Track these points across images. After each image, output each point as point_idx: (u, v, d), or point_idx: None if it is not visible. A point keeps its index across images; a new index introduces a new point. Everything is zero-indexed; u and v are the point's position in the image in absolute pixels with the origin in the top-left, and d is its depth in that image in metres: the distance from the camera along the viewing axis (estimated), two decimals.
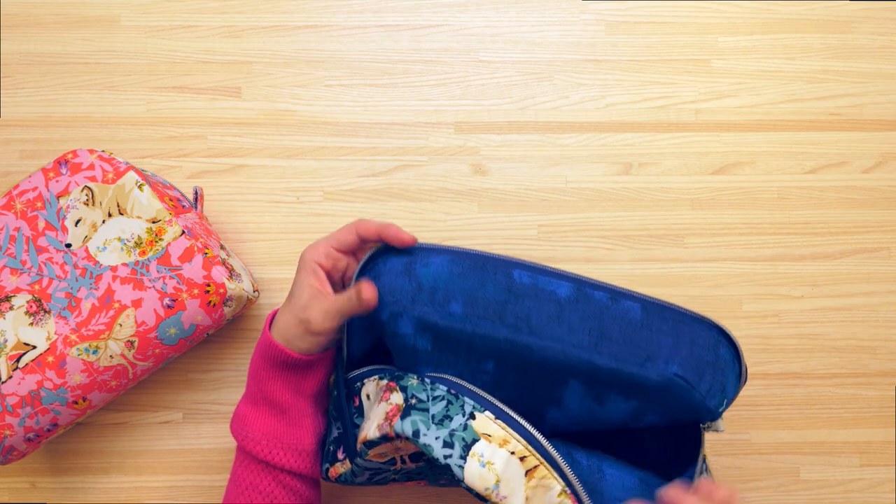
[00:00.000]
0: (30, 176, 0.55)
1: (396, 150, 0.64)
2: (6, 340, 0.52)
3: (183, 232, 0.53)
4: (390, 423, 0.45)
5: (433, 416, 0.44)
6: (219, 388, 0.62)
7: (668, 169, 0.64)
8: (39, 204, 0.54)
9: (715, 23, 0.65)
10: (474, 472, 0.42)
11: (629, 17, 0.65)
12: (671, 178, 0.64)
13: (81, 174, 0.54)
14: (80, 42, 0.64)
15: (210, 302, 0.53)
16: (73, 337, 0.52)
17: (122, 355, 0.53)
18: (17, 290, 0.53)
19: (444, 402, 0.45)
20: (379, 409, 0.47)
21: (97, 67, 0.64)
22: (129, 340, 0.53)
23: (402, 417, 0.44)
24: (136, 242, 0.53)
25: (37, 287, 0.53)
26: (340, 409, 0.51)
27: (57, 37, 0.64)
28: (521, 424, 0.45)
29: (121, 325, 0.52)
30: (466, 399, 0.45)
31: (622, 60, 0.65)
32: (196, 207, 0.59)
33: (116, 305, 0.52)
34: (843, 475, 0.63)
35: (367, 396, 0.50)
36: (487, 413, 0.45)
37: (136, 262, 0.53)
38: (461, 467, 0.42)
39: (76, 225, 0.54)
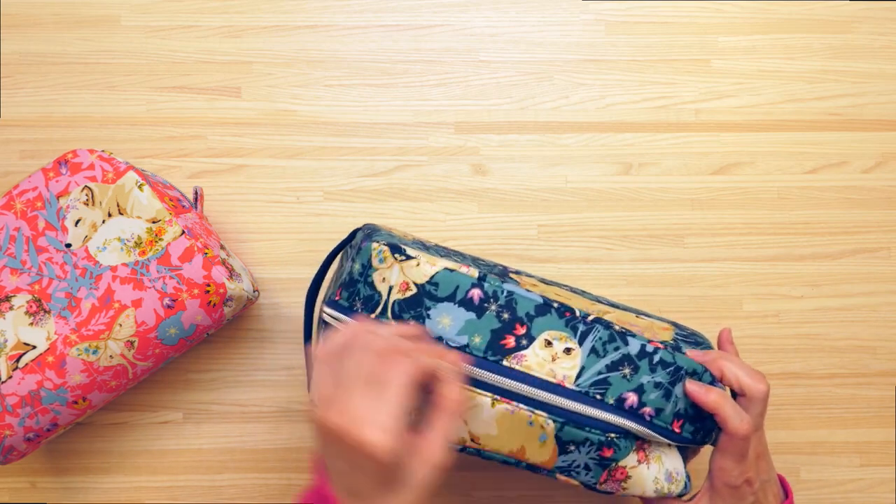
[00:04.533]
0: (30, 176, 0.55)
1: (396, 150, 0.64)
2: (6, 340, 0.52)
3: (183, 232, 0.53)
4: None
5: None
6: (219, 388, 0.62)
7: (668, 169, 0.64)
8: (39, 204, 0.54)
9: (715, 23, 0.65)
10: None
11: (629, 17, 0.65)
12: (671, 178, 0.64)
13: (81, 174, 0.54)
14: (80, 42, 0.64)
15: (210, 302, 0.54)
16: (73, 337, 0.52)
17: (122, 355, 0.53)
18: (17, 290, 0.53)
19: None
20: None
21: (97, 67, 0.64)
22: (129, 340, 0.53)
23: None
24: (136, 242, 0.53)
25: (37, 287, 0.53)
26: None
27: (57, 37, 0.64)
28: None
29: (121, 325, 0.52)
30: None
31: (622, 60, 0.65)
32: (196, 207, 0.60)
33: (116, 305, 0.52)
34: (843, 475, 0.63)
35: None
36: None
37: (136, 262, 0.53)
38: None
39: (76, 225, 0.54)
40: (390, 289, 0.45)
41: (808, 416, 0.63)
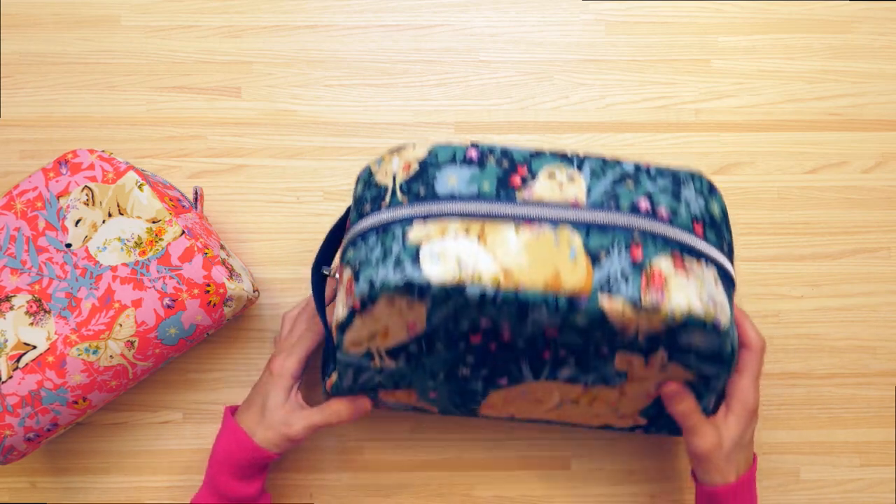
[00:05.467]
0: (30, 176, 0.55)
1: None
2: (6, 340, 0.52)
3: (183, 232, 0.53)
4: (351, 295, 0.45)
5: (377, 261, 0.44)
6: (219, 388, 0.62)
7: None
8: (39, 204, 0.54)
9: (715, 23, 0.65)
10: (433, 271, 0.42)
11: (629, 17, 0.65)
12: None
13: (81, 174, 0.54)
14: (80, 42, 0.64)
15: (210, 302, 0.54)
16: (73, 337, 0.52)
17: (122, 355, 0.53)
18: (17, 290, 0.53)
19: (378, 243, 0.45)
20: (342, 292, 0.48)
21: (97, 67, 0.64)
22: (129, 340, 0.53)
23: (356, 281, 0.45)
24: (136, 242, 0.53)
25: (37, 287, 0.53)
26: (321, 311, 0.53)
27: (57, 37, 0.64)
28: (449, 206, 0.45)
29: (121, 325, 0.52)
30: (393, 226, 0.45)
31: (622, 60, 0.65)
32: (196, 207, 0.60)
33: (116, 305, 0.52)
34: (843, 475, 0.63)
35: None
36: (416, 220, 0.45)
37: (136, 262, 0.53)
38: (421, 276, 0.43)
39: (76, 225, 0.54)
40: (394, 176, 0.48)
41: (808, 416, 0.63)
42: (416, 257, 0.43)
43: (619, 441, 0.62)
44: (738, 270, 0.64)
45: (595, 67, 0.65)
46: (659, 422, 0.54)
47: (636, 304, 0.43)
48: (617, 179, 0.47)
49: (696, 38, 0.65)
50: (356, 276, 0.45)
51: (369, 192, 0.49)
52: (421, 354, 0.48)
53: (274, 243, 0.63)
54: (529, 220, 0.45)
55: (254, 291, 0.57)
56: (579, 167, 0.47)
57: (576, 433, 0.62)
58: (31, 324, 0.52)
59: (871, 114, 0.65)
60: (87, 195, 0.54)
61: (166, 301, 0.53)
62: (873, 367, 0.63)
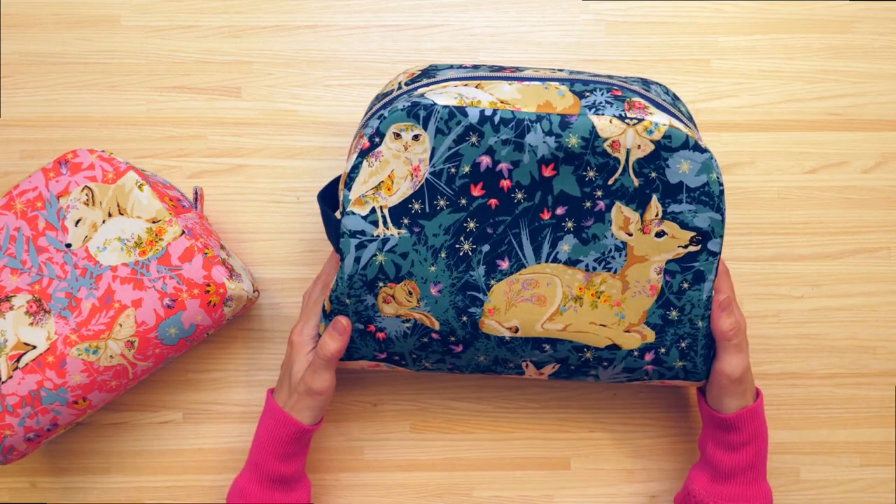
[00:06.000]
0: (30, 176, 0.55)
1: None
2: (6, 340, 0.52)
3: (183, 232, 0.53)
4: (361, 139, 0.50)
5: (384, 107, 0.51)
6: (219, 388, 0.62)
7: None
8: (39, 204, 0.54)
9: (715, 23, 0.65)
10: (437, 98, 0.48)
11: (629, 17, 0.65)
12: None
13: (81, 174, 0.54)
14: (80, 42, 0.64)
15: (210, 302, 0.54)
16: (73, 337, 0.52)
17: (122, 355, 0.53)
18: (18, 290, 0.53)
19: (386, 107, 0.51)
20: (352, 153, 0.51)
21: (97, 67, 0.64)
22: (129, 340, 0.53)
23: (365, 127, 0.50)
24: (136, 242, 0.53)
25: (37, 287, 0.53)
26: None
27: (57, 37, 0.64)
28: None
29: (121, 325, 0.52)
30: (401, 96, 0.51)
31: (622, 60, 0.65)
32: (196, 207, 0.60)
33: (116, 305, 0.52)
34: (843, 475, 0.63)
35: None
36: (420, 87, 0.51)
37: (136, 262, 0.53)
38: (426, 101, 0.48)
39: (76, 225, 0.54)
40: (400, 82, 0.53)
41: (808, 416, 0.63)
42: (421, 95, 0.49)
43: (619, 441, 0.62)
44: (738, 270, 0.64)
45: (595, 67, 0.65)
46: (665, 338, 0.53)
47: (622, 117, 0.48)
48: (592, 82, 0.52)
49: (696, 38, 0.65)
50: (366, 123, 0.51)
51: (377, 102, 0.53)
52: (424, 216, 0.49)
53: (274, 243, 0.63)
54: (521, 80, 0.50)
55: (254, 291, 0.57)
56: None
57: (575, 433, 0.63)
58: (31, 324, 0.52)
59: (871, 114, 0.65)
60: (87, 195, 0.54)
61: (166, 301, 0.53)
62: (873, 367, 0.63)
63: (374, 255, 0.50)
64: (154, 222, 0.53)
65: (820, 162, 0.64)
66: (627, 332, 0.52)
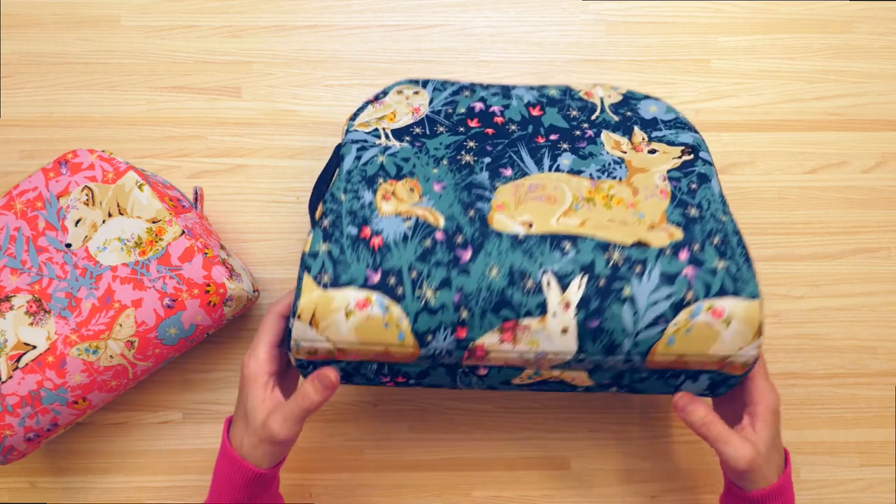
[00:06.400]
0: (30, 176, 0.55)
1: None
2: (6, 340, 0.52)
3: (183, 232, 0.53)
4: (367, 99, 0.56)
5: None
6: (219, 388, 0.62)
7: None
8: (39, 204, 0.54)
9: (715, 23, 0.65)
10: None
11: (629, 17, 0.65)
12: None
13: (81, 174, 0.54)
14: (80, 42, 0.64)
15: (210, 302, 0.54)
16: (73, 337, 0.52)
17: (122, 355, 0.53)
18: (17, 290, 0.53)
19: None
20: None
21: (97, 67, 0.64)
22: (129, 340, 0.53)
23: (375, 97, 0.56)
24: (136, 242, 0.53)
25: (37, 287, 0.53)
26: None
27: (57, 37, 0.64)
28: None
29: (121, 325, 0.52)
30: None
31: (622, 60, 0.65)
32: (196, 207, 0.60)
33: (116, 305, 0.52)
34: (843, 475, 0.63)
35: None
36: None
37: (136, 262, 0.53)
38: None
39: (76, 225, 0.54)
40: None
41: (808, 416, 0.63)
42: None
43: (619, 441, 0.62)
44: None
45: (595, 67, 0.65)
46: (694, 234, 0.47)
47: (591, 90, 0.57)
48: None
49: (696, 38, 0.65)
50: (376, 95, 0.57)
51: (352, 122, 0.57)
52: (424, 136, 0.53)
53: (274, 243, 0.63)
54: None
55: (254, 291, 0.57)
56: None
57: (575, 433, 0.62)
58: (31, 324, 0.52)
59: (871, 114, 0.65)
60: (87, 195, 0.54)
61: (166, 301, 0.53)
62: (873, 367, 0.63)
63: (376, 155, 0.51)
64: (154, 222, 0.53)
65: (820, 162, 0.64)
66: (654, 230, 0.47)
